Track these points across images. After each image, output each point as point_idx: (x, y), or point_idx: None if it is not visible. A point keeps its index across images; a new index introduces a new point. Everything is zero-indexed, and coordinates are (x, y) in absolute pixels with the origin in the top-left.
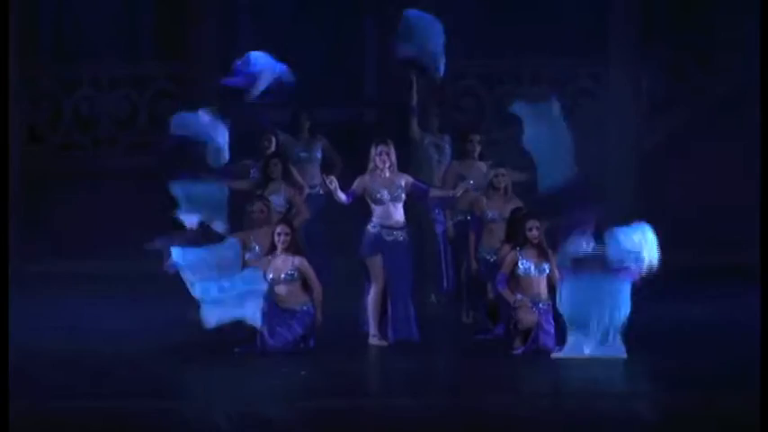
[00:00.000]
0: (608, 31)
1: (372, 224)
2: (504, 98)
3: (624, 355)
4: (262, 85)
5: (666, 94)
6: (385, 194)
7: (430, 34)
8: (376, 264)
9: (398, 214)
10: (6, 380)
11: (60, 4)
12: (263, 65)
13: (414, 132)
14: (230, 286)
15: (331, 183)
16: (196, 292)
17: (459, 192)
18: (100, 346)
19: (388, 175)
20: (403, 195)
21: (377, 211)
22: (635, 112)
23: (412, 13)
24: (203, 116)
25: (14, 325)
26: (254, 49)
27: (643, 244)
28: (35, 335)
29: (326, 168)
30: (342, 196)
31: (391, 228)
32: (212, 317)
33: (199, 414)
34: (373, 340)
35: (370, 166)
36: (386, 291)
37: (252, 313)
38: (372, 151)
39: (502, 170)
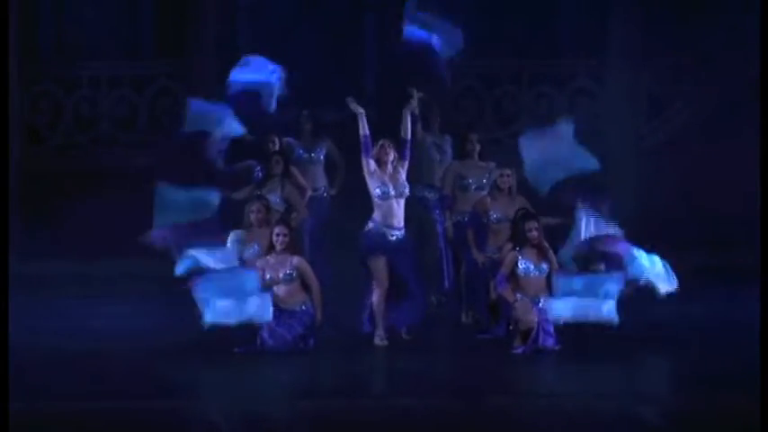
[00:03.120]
0: (608, 31)
1: (373, 224)
2: (503, 98)
3: (615, 321)
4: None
5: (666, 94)
6: (391, 190)
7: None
8: (379, 264)
9: (401, 212)
10: (6, 380)
11: (60, 4)
12: (259, 74)
13: (415, 133)
14: (234, 288)
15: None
16: (198, 294)
17: None
18: (100, 346)
19: (391, 170)
20: (407, 192)
21: (381, 208)
22: (635, 112)
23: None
24: (218, 109)
25: (14, 325)
26: (254, 49)
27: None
28: (35, 335)
29: (329, 170)
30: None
31: (392, 227)
32: (216, 318)
33: (199, 414)
34: (378, 341)
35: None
36: (390, 291)
37: (260, 311)
38: (374, 149)
39: (507, 171)
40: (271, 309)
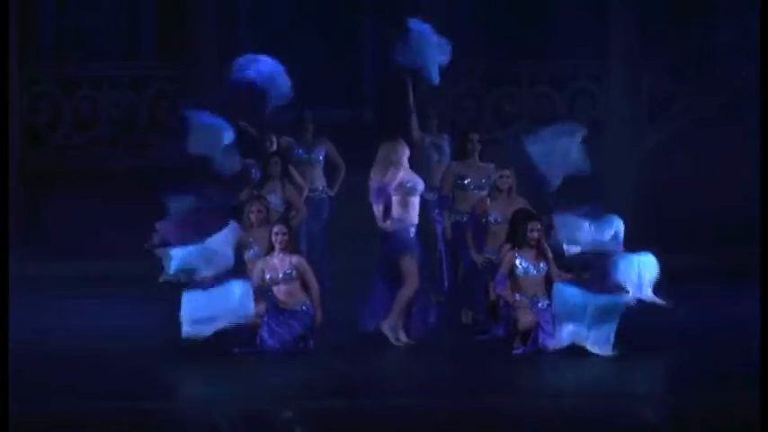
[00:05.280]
0: (608, 32)
1: (399, 222)
2: (503, 99)
3: (609, 353)
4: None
5: (666, 94)
6: (419, 185)
7: (428, 48)
8: (412, 263)
9: (417, 210)
10: (7, 380)
11: (60, 4)
12: (263, 71)
13: (413, 132)
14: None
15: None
16: (183, 309)
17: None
18: (100, 346)
19: (407, 167)
20: (421, 188)
21: (404, 204)
22: (635, 112)
23: (415, 24)
24: (216, 124)
25: (14, 325)
26: (254, 50)
27: (644, 275)
28: (35, 335)
29: (329, 171)
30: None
31: (413, 224)
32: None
33: (199, 414)
34: (396, 340)
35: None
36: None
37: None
38: (391, 147)
39: (507, 171)
40: (251, 304)
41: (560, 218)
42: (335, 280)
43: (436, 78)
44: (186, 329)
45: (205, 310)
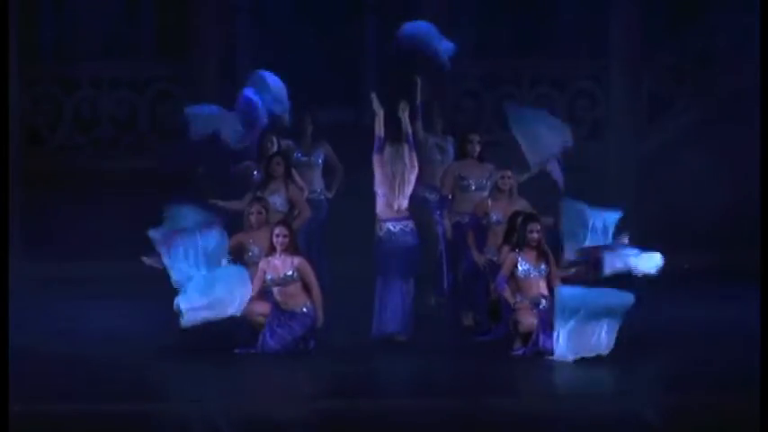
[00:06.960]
0: (608, 32)
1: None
2: (504, 99)
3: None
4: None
5: (667, 95)
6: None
7: (428, 43)
8: None
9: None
10: (6, 381)
11: (60, 5)
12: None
13: (417, 133)
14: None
15: None
16: (179, 300)
17: None
18: (99, 347)
19: None
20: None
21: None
22: (635, 112)
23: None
24: (218, 109)
25: (14, 326)
26: (254, 51)
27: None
28: (35, 336)
29: (327, 174)
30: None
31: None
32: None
33: (198, 415)
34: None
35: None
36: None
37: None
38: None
39: (508, 172)
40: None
41: (567, 204)
42: (334, 281)
43: (447, 64)
44: (185, 317)
45: (204, 297)
